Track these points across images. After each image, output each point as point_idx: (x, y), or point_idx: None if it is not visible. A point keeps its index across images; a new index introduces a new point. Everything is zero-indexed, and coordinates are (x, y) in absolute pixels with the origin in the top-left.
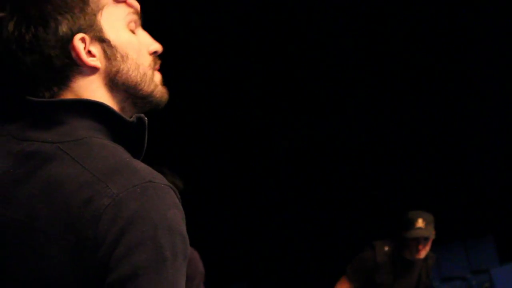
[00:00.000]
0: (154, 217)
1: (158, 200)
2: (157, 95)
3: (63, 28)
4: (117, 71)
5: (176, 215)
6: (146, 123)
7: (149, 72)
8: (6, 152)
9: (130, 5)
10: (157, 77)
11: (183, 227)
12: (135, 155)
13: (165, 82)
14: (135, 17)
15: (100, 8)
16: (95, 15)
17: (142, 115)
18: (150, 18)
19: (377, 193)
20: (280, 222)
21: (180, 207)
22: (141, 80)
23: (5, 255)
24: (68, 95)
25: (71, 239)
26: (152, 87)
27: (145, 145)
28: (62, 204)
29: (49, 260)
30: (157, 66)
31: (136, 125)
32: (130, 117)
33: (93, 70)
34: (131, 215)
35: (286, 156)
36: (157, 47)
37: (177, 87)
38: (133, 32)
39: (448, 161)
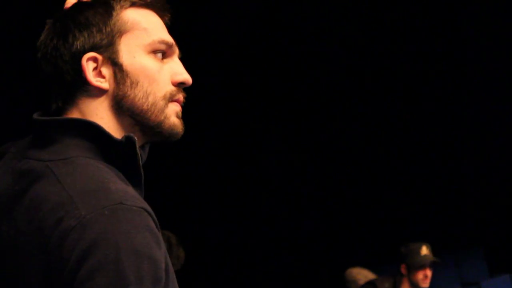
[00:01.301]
0: (119, 240)
1: (126, 223)
2: (165, 127)
3: (78, 45)
4: (124, 96)
5: (146, 238)
6: (135, 142)
7: (161, 103)
8: (10, 168)
9: (160, 39)
10: (172, 109)
11: (154, 251)
12: (131, 175)
13: None
14: (162, 46)
15: (122, 31)
16: (113, 36)
17: (131, 135)
18: None
19: (366, 203)
20: (275, 231)
21: (154, 230)
22: (147, 109)
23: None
24: (74, 112)
25: (43, 258)
26: (160, 118)
27: (139, 164)
28: (38, 223)
29: (26, 277)
30: (179, 98)
31: (124, 144)
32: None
33: (101, 91)
34: (94, 238)
35: (280, 166)
36: (183, 78)
37: None
38: (157, 59)
39: (438, 174)
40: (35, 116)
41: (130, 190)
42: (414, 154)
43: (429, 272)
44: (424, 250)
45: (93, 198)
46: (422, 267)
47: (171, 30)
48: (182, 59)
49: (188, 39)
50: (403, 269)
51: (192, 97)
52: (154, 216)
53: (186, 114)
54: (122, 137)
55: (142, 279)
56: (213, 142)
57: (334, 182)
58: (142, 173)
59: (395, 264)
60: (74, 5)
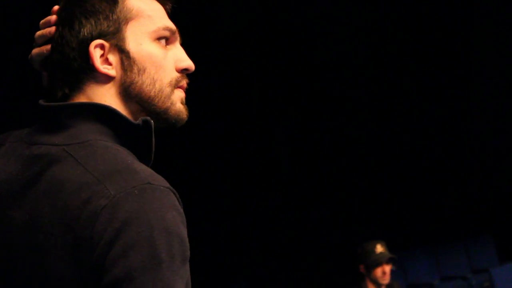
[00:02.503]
0: (151, 218)
1: (156, 202)
2: (172, 113)
3: (85, 32)
4: (131, 83)
5: (175, 217)
6: (152, 126)
7: (167, 89)
8: (17, 156)
9: (164, 26)
10: (177, 95)
11: (182, 230)
12: (143, 158)
13: None
14: (167, 33)
15: (128, 18)
16: (120, 23)
17: (148, 118)
18: None
19: (376, 192)
20: (280, 224)
21: (180, 210)
22: (155, 96)
23: (11, 255)
24: (81, 99)
25: (69, 239)
26: (167, 104)
27: (153, 148)
28: (62, 205)
29: (50, 259)
30: (183, 85)
31: (142, 127)
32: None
33: (108, 77)
34: (127, 216)
35: (286, 157)
36: (187, 64)
37: None
38: (162, 45)
39: (447, 161)
40: (42, 102)
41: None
42: (423, 142)
43: (387, 268)
44: (379, 248)
45: (121, 179)
46: (379, 264)
47: (177, 19)
48: (188, 48)
49: (194, 29)
50: (362, 269)
51: (192, 94)
52: (178, 197)
53: (191, 109)
54: (139, 120)
55: (173, 257)
56: (216, 136)
57: (341, 175)
58: (152, 158)
59: (404, 251)
60: None
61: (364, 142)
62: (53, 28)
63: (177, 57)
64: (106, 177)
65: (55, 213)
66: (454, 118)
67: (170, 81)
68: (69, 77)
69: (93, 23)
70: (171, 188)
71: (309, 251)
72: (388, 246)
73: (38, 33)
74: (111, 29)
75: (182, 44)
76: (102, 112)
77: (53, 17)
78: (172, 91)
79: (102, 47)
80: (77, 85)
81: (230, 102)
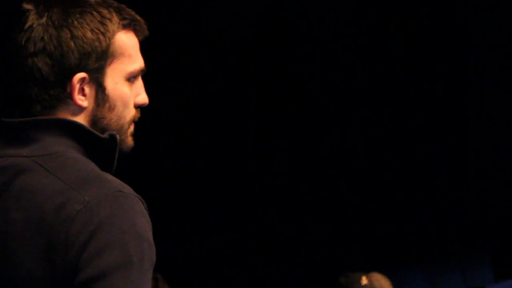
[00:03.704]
0: (123, 223)
1: (127, 208)
2: (124, 144)
3: (72, 62)
4: (102, 117)
5: (144, 224)
6: (117, 140)
7: (126, 126)
8: None
9: (140, 68)
10: (130, 129)
11: (150, 235)
12: (105, 170)
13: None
14: (139, 73)
15: (113, 57)
16: (106, 61)
17: (114, 132)
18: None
19: (370, 209)
20: (276, 237)
21: (148, 217)
22: (117, 130)
23: None
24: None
25: (43, 242)
26: (123, 137)
27: (115, 161)
28: (35, 210)
29: (22, 263)
30: (136, 119)
31: (108, 141)
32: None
33: (79, 107)
34: (101, 220)
35: (282, 172)
36: (142, 100)
37: (172, 96)
38: (130, 85)
39: (442, 178)
40: (4, 119)
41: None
42: (417, 158)
43: None
44: (364, 280)
45: (93, 186)
46: None
47: (179, 24)
48: (190, 56)
49: (188, 34)
50: None
51: (187, 101)
52: (146, 205)
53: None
54: (105, 134)
55: (143, 260)
56: (214, 144)
57: (334, 193)
58: (113, 171)
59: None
60: (64, 4)
61: (360, 157)
62: None
63: (136, 92)
64: (79, 185)
65: (27, 218)
66: (450, 133)
67: (131, 118)
68: (43, 96)
69: (82, 57)
70: (139, 196)
71: (302, 266)
72: (383, 264)
73: None
74: (96, 65)
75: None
76: (69, 126)
77: None
78: (129, 126)
79: (83, 79)
80: (49, 106)
81: (227, 109)
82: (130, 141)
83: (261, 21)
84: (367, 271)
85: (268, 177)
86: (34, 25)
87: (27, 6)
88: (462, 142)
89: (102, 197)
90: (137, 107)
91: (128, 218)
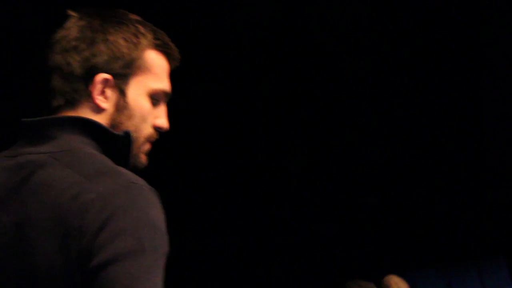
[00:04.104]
0: (136, 212)
1: (141, 199)
2: (135, 160)
3: (99, 61)
4: (119, 122)
5: (157, 214)
6: (131, 137)
7: (141, 140)
8: (1, 168)
9: (164, 91)
10: (146, 147)
11: (163, 225)
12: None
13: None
14: (162, 96)
15: (139, 70)
16: (131, 71)
17: (129, 130)
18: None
19: (388, 212)
20: (289, 241)
21: (161, 208)
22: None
23: (2, 255)
24: (71, 114)
25: (60, 230)
26: (136, 151)
27: (130, 158)
28: (52, 200)
29: (40, 251)
30: (153, 139)
31: (123, 138)
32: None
33: (99, 108)
34: (114, 209)
35: (293, 177)
36: (162, 123)
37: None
38: (152, 103)
39: (459, 183)
40: (25, 120)
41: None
42: (435, 162)
43: None
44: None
45: (108, 178)
46: None
47: (187, 27)
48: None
49: (198, 36)
50: None
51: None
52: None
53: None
54: (120, 132)
55: (155, 249)
56: (221, 145)
57: (351, 194)
58: (128, 168)
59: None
60: (107, 12)
61: (376, 159)
62: None
63: (158, 115)
64: (94, 176)
65: (45, 209)
66: (466, 136)
67: (147, 135)
68: (67, 89)
69: (109, 58)
70: (153, 188)
71: (315, 268)
72: (401, 267)
73: None
74: (122, 71)
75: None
76: (85, 124)
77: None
78: (144, 143)
79: (106, 81)
80: (72, 100)
81: (233, 109)
82: (143, 158)
83: (270, 23)
84: (376, 278)
85: (280, 179)
86: (72, 26)
87: (71, 12)
88: (479, 145)
89: (116, 187)
90: (156, 128)
91: (141, 208)
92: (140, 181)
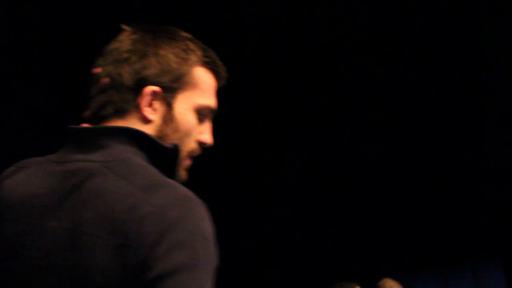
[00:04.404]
0: (191, 226)
1: (194, 212)
2: (174, 173)
3: (149, 73)
4: (165, 134)
5: (209, 227)
6: (179, 150)
7: (184, 154)
8: (49, 173)
9: (210, 108)
10: (187, 162)
11: (213, 238)
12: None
13: None
14: (207, 112)
15: (188, 85)
16: (180, 85)
17: (177, 143)
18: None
19: (384, 214)
20: (287, 243)
21: (211, 221)
22: None
23: (53, 260)
24: (119, 123)
25: (115, 240)
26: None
27: (176, 170)
28: (107, 210)
29: (94, 259)
30: (195, 155)
31: (171, 150)
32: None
33: (146, 119)
34: (171, 221)
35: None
36: (206, 139)
37: None
38: (198, 118)
39: (455, 186)
40: (73, 126)
41: None
42: (430, 165)
43: None
44: None
45: (162, 190)
46: None
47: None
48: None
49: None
50: None
51: None
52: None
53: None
54: (170, 144)
55: (208, 262)
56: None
57: (347, 197)
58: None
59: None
60: (159, 28)
61: (373, 162)
62: None
63: (202, 131)
64: (148, 188)
65: (99, 218)
66: (461, 141)
67: (190, 149)
68: (116, 98)
69: (160, 72)
70: (203, 202)
71: (311, 270)
72: (396, 270)
73: None
74: (170, 85)
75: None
76: (135, 135)
77: None
78: (186, 158)
79: (155, 93)
80: (121, 110)
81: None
82: (183, 174)
83: (273, 27)
84: (371, 281)
85: (276, 182)
86: (125, 39)
87: (124, 27)
88: (475, 147)
89: (171, 200)
90: (200, 144)
91: (195, 221)
92: (192, 194)
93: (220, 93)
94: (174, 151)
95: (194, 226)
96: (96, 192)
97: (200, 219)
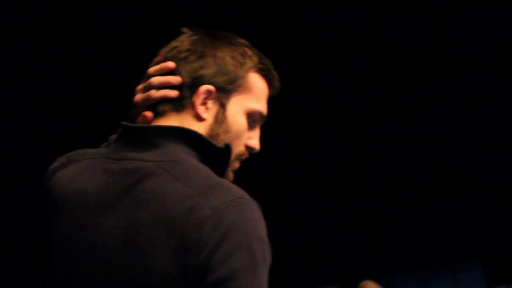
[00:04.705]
0: (248, 227)
1: (250, 214)
2: (222, 175)
3: (206, 72)
4: (216, 134)
5: (263, 228)
6: (231, 150)
7: (233, 156)
8: (103, 170)
9: (261, 113)
10: (236, 164)
11: (267, 238)
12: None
13: None
14: (258, 117)
15: (242, 89)
16: (234, 88)
17: (229, 143)
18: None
19: (363, 216)
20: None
21: (264, 221)
22: None
23: (109, 258)
24: (173, 121)
25: (174, 242)
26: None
27: (227, 170)
28: (165, 212)
29: (151, 258)
30: (243, 158)
31: (223, 150)
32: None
33: (199, 117)
34: (229, 224)
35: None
36: (254, 144)
37: None
38: (248, 123)
39: (435, 186)
40: (127, 123)
41: None
42: (405, 166)
43: None
44: None
45: (219, 192)
46: None
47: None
48: None
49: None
50: None
51: None
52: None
53: None
54: (221, 144)
55: (265, 261)
56: None
57: (325, 199)
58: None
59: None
60: (218, 32)
61: (349, 165)
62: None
63: (251, 135)
64: (205, 190)
65: (157, 219)
66: (438, 141)
67: (239, 152)
68: (174, 95)
69: (216, 72)
70: (257, 202)
71: (293, 275)
72: (377, 271)
73: (153, 69)
74: (225, 87)
75: None
76: (188, 135)
77: (170, 64)
78: (235, 160)
79: (209, 92)
80: (176, 107)
81: None
82: (230, 175)
83: (263, 22)
84: (352, 283)
85: (252, 183)
86: (184, 39)
87: (185, 30)
88: (453, 150)
89: (228, 202)
90: (247, 148)
91: (252, 223)
92: (247, 196)
93: None
94: (226, 151)
95: (250, 228)
96: (153, 193)
97: (255, 220)
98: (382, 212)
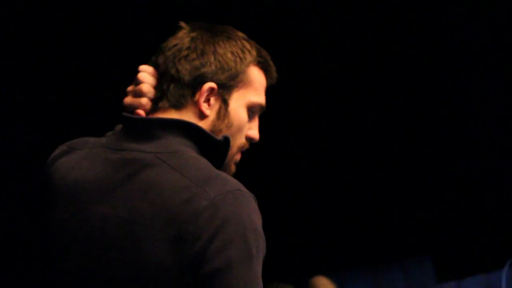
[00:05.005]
0: (244, 219)
1: (246, 206)
2: (225, 167)
3: (208, 70)
4: (218, 130)
5: (259, 220)
6: (230, 142)
7: (235, 149)
8: (104, 159)
9: (261, 105)
10: (237, 157)
11: (262, 230)
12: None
13: None
14: (258, 109)
15: (242, 83)
16: (236, 83)
17: (228, 135)
18: None
19: (313, 212)
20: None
21: (259, 213)
22: None
23: (106, 246)
24: (174, 115)
25: (171, 232)
26: (228, 158)
27: (225, 163)
28: (163, 203)
29: (150, 249)
30: (243, 150)
31: (222, 143)
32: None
33: (202, 113)
34: (225, 216)
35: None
36: (254, 135)
37: None
38: (249, 115)
39: (387, 182)
40: (128, 114)
41: None
42: (358, 164)
43: None
44: None
45: (216, 184)
46: None
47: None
48: None
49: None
50: None
51: None
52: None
53: None
54: (220, 137)
55: (259, 253)
56: None
57: (281, 192)
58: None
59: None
60: (216, 27)
61: (309, 157)
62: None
63: (251, 126)
64: (203, 182)
65: (155, 209)
66: (403, 139)
67: (240, 144)
68: (174, 93)
69: (217, 69)
70: (253, 194)
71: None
72: (327, 268)
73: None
74: (227, 82)
75: None
76: (188, 128)
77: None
78: (237, 152)
79: (211, 89)
80: (177, 104)
81: None
82: (232, 167)
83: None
84: (302, 279)
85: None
86: (184, 37)
87: (183, 24)
88: (408, 145)
89: (225, 194)
90: (248, 139)
91: (247, 215)
92: (243, 188)
93: None
94: (224, 144)
95: (246, 220)
96: (151, 183)
97: (251, 212)
98: (331, 207)
